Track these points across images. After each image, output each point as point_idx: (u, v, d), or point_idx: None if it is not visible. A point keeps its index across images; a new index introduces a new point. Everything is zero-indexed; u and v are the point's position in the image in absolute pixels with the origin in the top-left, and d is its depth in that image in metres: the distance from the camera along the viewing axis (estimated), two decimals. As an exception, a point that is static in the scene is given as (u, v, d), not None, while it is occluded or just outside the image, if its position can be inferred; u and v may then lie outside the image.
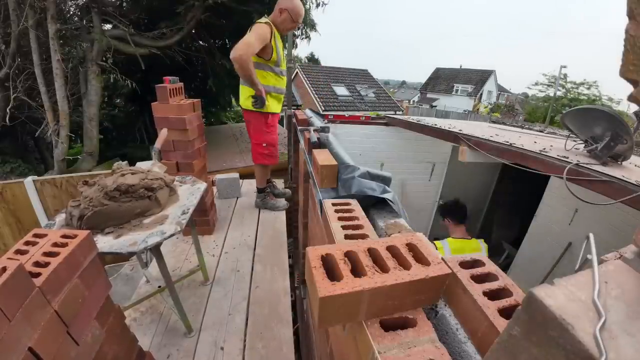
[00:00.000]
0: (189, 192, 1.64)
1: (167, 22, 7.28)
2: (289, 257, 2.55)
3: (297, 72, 15.32)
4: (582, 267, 0.30)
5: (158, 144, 1.81)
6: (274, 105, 2.45)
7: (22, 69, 6.50)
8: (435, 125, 3.05)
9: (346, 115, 4.06)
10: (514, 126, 5.35)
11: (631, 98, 0.28)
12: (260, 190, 2.95)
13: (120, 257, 3.33)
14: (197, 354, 1.55)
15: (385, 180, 1.06)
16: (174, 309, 1.58)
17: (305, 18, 9.13)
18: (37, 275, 0.70)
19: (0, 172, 7.26)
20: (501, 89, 30.71)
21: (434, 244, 2.25)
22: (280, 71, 2.39)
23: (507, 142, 2.26)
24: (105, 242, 1.19)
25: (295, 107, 2.20)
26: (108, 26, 7.38)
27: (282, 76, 2.42)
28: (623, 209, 2.71)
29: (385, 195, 0.94)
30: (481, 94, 26.89)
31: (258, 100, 2.27)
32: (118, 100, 12.53)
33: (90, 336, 0.85)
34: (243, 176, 3.56)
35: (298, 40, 9.72)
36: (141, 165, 1.53)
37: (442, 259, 0.56)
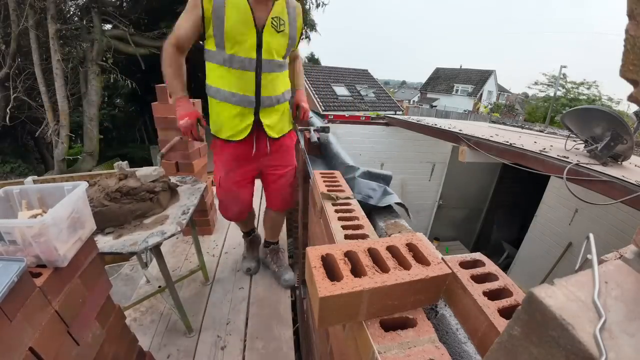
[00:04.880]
0: (189, 192, 1.65)
1: (167, 22, 7.29)
2: (289, 257, 2.55)
3: (297, 72, 15.31)
4: (582, 267, 0.30)
5: (164, 150, 1.79)
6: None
7: (22, 69, 6.51)
8: (435, 125, 3.06)
9: (346, 115, 4.07)
10: (514, 126, 5.35)
11: (631, 98, 0.28)
12: (272, 243, 2.12)
13: (120, 257, 3.33)
14: (197, 354, 1.55)
15: (386, 179, 1.06)
16: (174, 309, 1.58)
17: (305, 18, 9.13)
18: (38, 275, 0.70)
19: (0, 172, 7.26)
20: (501, 89, 30.72)
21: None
22: (231, 61, 1.34)
23: (507, 142, 2.26)
24: (105, 242, 1.19)
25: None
26: (108, 26, 7.39)
27: (236, 69, 1.36)
28: (623, 209, 2.71)
29: (387, 201, 0.94)
30: (481, 94, 26.89)
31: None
32: (118, 100, 12.55)
33: (90, 336, 0.85)
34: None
35: (298, 40, 9.73)
36: (143, 170, 1.53)
37: (442, 259, 0.56)
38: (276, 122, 1.54)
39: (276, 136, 1.57)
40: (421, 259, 0.54)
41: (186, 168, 2.16)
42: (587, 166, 1.71)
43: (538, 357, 0.24)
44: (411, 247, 0.57)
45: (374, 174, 1.09)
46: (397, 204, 0.95)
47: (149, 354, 1.28)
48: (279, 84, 1.47)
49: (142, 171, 1.53)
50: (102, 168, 7.54)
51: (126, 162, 5.55)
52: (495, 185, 4.91)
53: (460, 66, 31.20)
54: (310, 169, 1.42)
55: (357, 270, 0.52)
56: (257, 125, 1.48)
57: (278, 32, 1.36)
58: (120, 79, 7.21)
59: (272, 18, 1.32)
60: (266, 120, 1.49)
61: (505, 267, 4.21)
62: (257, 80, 1.38)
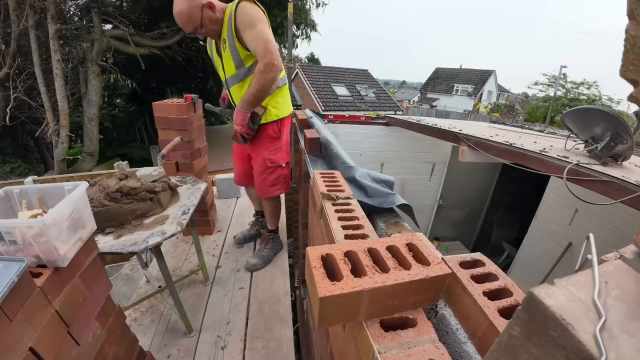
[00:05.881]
0: (190, 192, 1.65)
1: (167, 22, 7.29)
2: (289, 257, 2.55)
3: (297, 72, 15.32)
4: (582, 267, 0.30)
5: (165, 150, 1.81)
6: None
7: (22, 69, 6.49)
8: (435, 125, 3.06)
9: (346, 115, 4.07)
10: (514, 126, 5.36)
11: (631, 98, 0.28)
12: (271, 231, 2.26)
13: (120, 257, 3.33)
14: (198, 354, 1.55)
15: (389, 185, 1.06)
16: (174, 308, 1.58)
17: (305, 18, 9.13)
18: (38, 275, 0.70)
19: (0, 172, 7.26)
20: (501, 89, 30.68)
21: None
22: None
23: (507, 142, 2.26)
24: (105, 242, 1.19)
25: (295, 107, 2.15)
26: (108, 26, 7.38)
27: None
28: (623, 209, 2.71)
29: (392, 203, 0.94)
30: (481, 94, 26.87)
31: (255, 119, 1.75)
32: (118, 100, 12.56)
33: (91, 336, 0.85)
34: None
35: (298, 41, 9.75)
36: (143, 170, 1.54)
37: (442, 259, 0.56)
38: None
39: None
40: (421, 259, 0.54)
41: (186, 168, 2.16)
42: (587, 166, 1.71)
43: (538, 357, 0.24)
44: (411, 247, 0.57)
45: (377, 179, 1.09)
46: (404, 205, 0.95)
47: (149, 354, 1.28)
48: (244, 92, 1.70)
49: (142, 171, 1.53)
50: (102, 168, 7.54)
51: (126, 162, 5.56)
52: (495, 185, 4.90)
53: (460, 66, 31.17)
54: (310, 169, 1.42)
55: (357, 270, 0.52)
56: None
57: (224, 52, 1.63)
58: (120, 79, 7.21)
59: (222, 41, 1.61)
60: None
61: (505, 267, 4.21)
62: (229, 94, 1.80)
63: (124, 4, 7.99)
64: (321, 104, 13.87)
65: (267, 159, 1.87)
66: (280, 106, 1.81)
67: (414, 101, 32.18)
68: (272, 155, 1.88)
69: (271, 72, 1.50)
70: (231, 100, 1.84)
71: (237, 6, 1.49)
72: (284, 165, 1.95)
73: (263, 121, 1.79)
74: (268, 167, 1.90)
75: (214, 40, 1.69)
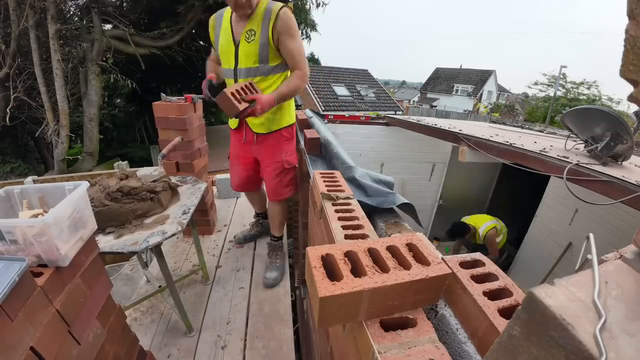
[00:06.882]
0: (190, 192, 1.65)
1: (167, 22, 7.29)
2: (289, 257, 2.55)
3: (297, 72, 15.28)
4: (582, 267, 0.30)
5: (165, 150, 1.81)
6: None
7: (22, 69, 6.49)
8: (435, 125, 3.06)
9: (346, 115, 4.07)
10: (514, 126, 5.35)
11: (631, 98, 0.28)
12: (278, 238, 2.21)
13: (120, 257, 3.33)
14: (198, 354, 1.55)
15: (389, 185, 1.06)
16: (175, 308, 1.58)
17: (305, 18, 9.13)
18: (39, 274, 0.70)
19: (0, 172, 7.26)
20: (501, 89, 30.67)
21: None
22: (222, 72, 1.85)
23: (507, 142, 2.26)
24: (106, 242, 1.19)
25: (295, 107, 2.15)
26: (108, 26, 7.38)
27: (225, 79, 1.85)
28: (623, 209, 2.71)
29: (393, 202, 0.94)
30: (481, 94, 26.86)
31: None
32: (118, 100, 12.56)
33: (91, 335, 0.85)
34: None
35: (298, 40, 9.72)
36: (143, 170, 1.54)
37: (442, 259, 0.56)
38: (260, 120, 1.75)
39: (262, 132, 1.79)
40: (421, 259, 0.54)
41: (186, 168, 2.16)
42: (587, 166, 1.71)
43: (538, 357, 0.24)
44: (411, 247, 0.57)
45: (376, 179, 1.09)
46: (405, 204, 0.95)
47: (149, 353, 1.28)
48: (260, 87, 1.67)
49: (143, 171, 1.53)
50: (102, 168, 7.54)
51: (126, 162, 5.56)
52: (495, 185, 4.90)
53: (460, 66, 31.14)
54: (310, 169, 1.43)
55: (357, 270, 0.52)
56: (245, 121, 1.78)
57: (249, 42, 1.59)
58: (120, 79, 7.21)
59: (246, 32, 1.58)
60: (248, 118, 1.75)
61: (505, 267, 4.21)
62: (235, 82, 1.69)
63: (124, 4, 7.98)
64: (321, 104, 13.86)
65: (284, 161, 1.89)
66: (292, 112, 1.87)
67: (414, 101, 32.16)
68: (288, 157, 1.91)
69: (304, 83, 1.65)
70: None
71: (280, 10, 1.53)
72: (296, 166, 1.99)
73: (278, 126, 1.80)
74: (285, 169, 1.91)
75: (225, 27, 1.63)
